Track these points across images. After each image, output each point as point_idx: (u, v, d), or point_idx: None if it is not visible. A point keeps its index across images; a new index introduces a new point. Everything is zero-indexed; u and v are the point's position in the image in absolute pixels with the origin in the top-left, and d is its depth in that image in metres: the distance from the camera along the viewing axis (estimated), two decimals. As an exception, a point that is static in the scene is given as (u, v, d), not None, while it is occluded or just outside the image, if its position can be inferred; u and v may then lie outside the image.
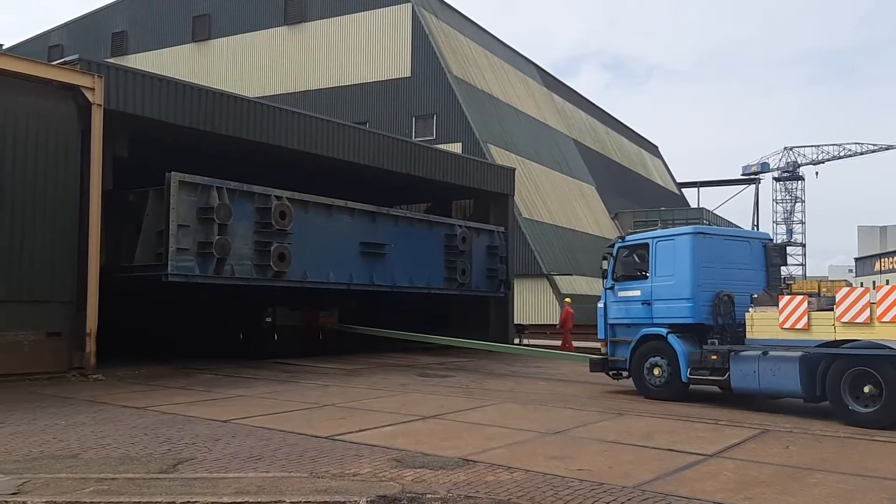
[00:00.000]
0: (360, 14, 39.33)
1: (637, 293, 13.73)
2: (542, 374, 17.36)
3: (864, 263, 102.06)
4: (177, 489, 6.30)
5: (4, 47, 17.73)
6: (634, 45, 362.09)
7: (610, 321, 14.27)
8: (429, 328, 22.40)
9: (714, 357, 12.31)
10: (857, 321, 10.67)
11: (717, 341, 12.50)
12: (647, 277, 13.63)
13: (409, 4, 38.07)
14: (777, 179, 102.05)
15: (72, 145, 15.09)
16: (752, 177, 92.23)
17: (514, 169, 29.03)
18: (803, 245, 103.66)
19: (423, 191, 26.69)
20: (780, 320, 11.49)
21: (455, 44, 40.75)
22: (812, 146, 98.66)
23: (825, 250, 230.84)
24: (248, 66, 42.16)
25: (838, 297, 11.05)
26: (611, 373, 14.42)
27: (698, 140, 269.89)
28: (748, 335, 12.09)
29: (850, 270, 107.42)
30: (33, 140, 14.59)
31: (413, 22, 38.04)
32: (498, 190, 26.61)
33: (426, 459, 7.58)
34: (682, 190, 79.51)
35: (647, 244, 13.79)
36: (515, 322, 27.26)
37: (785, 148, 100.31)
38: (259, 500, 6.00)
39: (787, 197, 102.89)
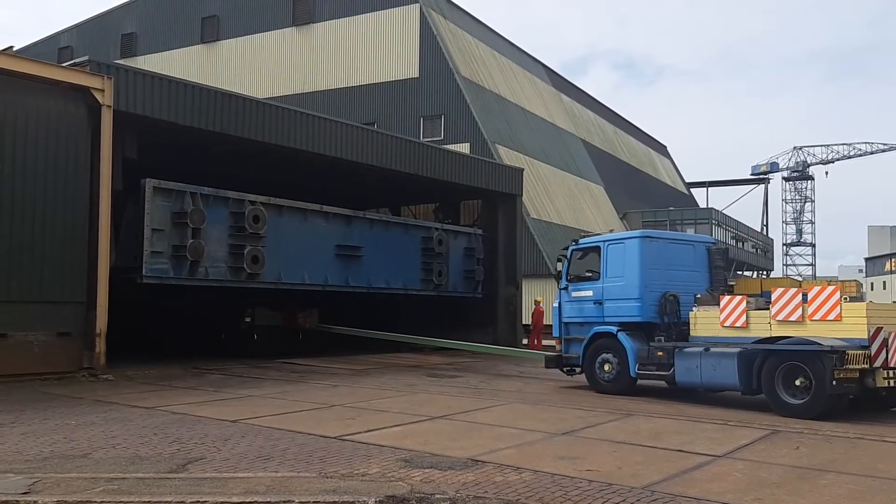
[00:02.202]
0: (369, 15, 39.36)
1: (589, 293, 14.56)
2: (551, 374, 17.30)
3: (875, 263, 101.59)
4: (186, 489, 6.32)
5: (15, 49, 17.80)
6: (644, 44, 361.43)
7: (564, 320, 15.08)
8: (440, 329, 22.65)
9: (660, 353, 13.10)
10: (790, 319, 11.58)
11: (663, 339, 13.30)
12: (598, 278, 14.43)
13: (417, 5, 38.08)
14: (786, 179, 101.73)
15: (82, 146, 15.16)
16: (761, 176, 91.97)
17: (523, 169, 28.98)
18: (813, 245, 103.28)
19: (431, 191, 26.69)
20: (721, 319, 12.39)
21: (463, 44, 40.75)
22: (822, 146, 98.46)
23: (835, 250, 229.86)
24: (257, 67, 42.26)
25: (773, 296, 11.90)
26: (565, 369, 15.17)
27: (707, 140, 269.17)
28: (692, 333, 13.00)
29: (861, 270, 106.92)
30: (44, 141, 14.67)
31: (421, 22, 38.05)
32: (506, 190, 26.59)
33: (435, 460, 7.58)
34: (691, 190, 79.27)
35: (598, 247, 14.65)
36: (524, 322, 27.25)
37: (794, 147, 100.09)
38: (268, 499, 6.01)
39: (797, 197, 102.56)
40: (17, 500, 5.91)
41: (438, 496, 6.19)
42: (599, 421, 10.51)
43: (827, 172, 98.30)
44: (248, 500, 5.97)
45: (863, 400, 11.38)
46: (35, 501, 5.90)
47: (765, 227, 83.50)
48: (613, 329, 13.90)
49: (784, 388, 11.21)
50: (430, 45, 37.85)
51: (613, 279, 14.09)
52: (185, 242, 17.38)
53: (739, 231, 58.59)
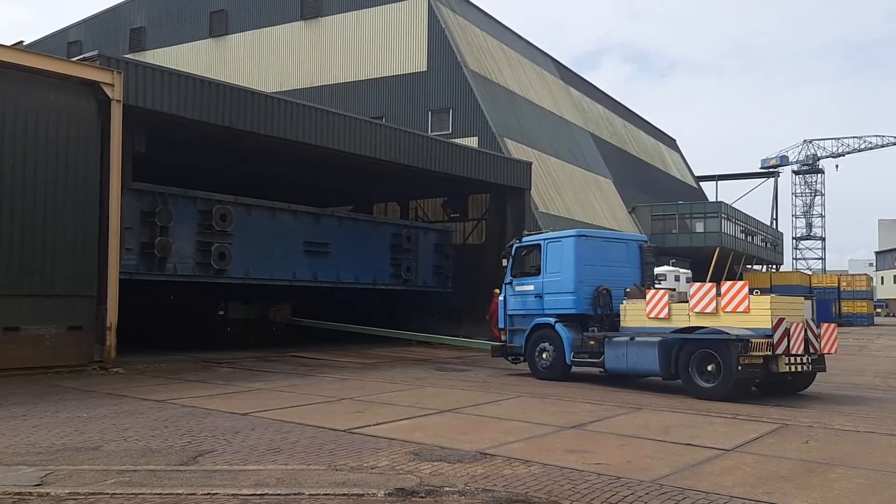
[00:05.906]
0: (376, 8, 39.28)
1: (531, 287, 15.59)
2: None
3: (885, 257, 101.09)
4: (197, 481, 6.36)
5: (24, 44, 17.90)
6: (657, 37, 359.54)
7: (509, 312, 16.14)
8: (446, 323, 22.84)
9: (592, 342, 14.25)
10: (706, 311, 12.64)
11: (596, 329, 14.37)
12: (539, 274, 15.45)
13: (426, -2, 37.97)
14: (796, 173, 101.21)
15: (92, 141, 15.22)
16: (771, 170, 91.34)
17: (531, 163, 28.95)
18: (823, 239, 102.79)
19: (440, 185, 26.69)
20: (647, 310, 13.42)
21: (471, 37, 40.64)
22: (832, 139, 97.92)
23: (846, 244, 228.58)
24: (265, 61, 42.26)
25: (692, 290, 12.98)
26: (510, 358, 16.26)
27: (717, 133, 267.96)
28: (622, 324, 14.09)
29: (871, 264, 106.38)
30: (54, 136, 14.73)
31: (429, 16, 37.93)
32: (515, 184, 26.57)
33: (443, 453, 7.61)
34: (701, 183, 78.87)
35: (539, 245, 15.67)
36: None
37: (804, 141, 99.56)
38: (278, 492, 6.05)
39: (807, 190, 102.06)
40: (30, 492, 5.97)
41: (447, 489, 6.21)
42: (608, 415, 10.52)
43: (837, 166, 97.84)
44: (258, 493, 6.00)
45: (772, 384, 12.70)
46: (47, 493, 5.95)
47: (774, 221, 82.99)
48: (552, 320, 14.96)
49: (697, 373, 12.31)
50: (438, 39, 37.74)
51: (552, 274, 15.12)
52: (153, 240, 17.98)
53: (749, 225, 58.23)
